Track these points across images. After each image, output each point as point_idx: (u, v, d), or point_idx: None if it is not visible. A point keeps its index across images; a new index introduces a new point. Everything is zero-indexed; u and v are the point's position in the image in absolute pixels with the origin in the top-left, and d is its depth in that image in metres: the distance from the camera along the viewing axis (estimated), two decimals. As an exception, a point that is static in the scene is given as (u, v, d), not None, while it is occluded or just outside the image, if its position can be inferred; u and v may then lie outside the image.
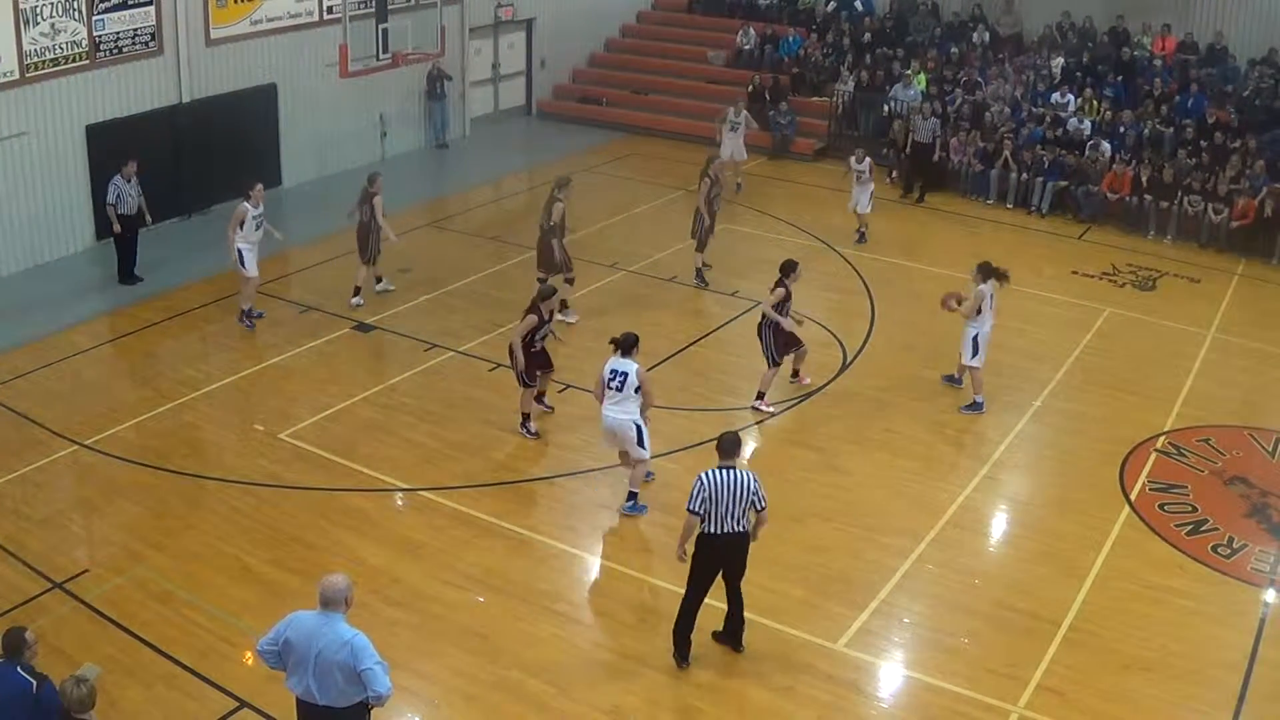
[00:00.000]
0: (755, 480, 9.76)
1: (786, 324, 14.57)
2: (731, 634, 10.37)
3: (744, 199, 22.93)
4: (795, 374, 15.40)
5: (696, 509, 9.72)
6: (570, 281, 17.21)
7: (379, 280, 17.89)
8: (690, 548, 9.99)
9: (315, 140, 23.05)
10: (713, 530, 9.77)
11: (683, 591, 10.19)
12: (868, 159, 20.95)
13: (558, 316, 15.36)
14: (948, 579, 11.56)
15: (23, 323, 16.47)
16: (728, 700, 9.88)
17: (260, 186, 16.61)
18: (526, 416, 13.99)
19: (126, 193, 17.66)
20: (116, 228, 17.81)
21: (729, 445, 9.88)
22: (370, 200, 16.99)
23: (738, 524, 9.75)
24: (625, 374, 11.98)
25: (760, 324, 14.80)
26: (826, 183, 24.20)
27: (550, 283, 14.31)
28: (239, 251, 16.32)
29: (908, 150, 23.94)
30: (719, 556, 9.91)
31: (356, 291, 17.49)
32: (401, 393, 14.99)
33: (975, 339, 14.64)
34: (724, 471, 9.69)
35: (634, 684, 10.01)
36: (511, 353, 13.61)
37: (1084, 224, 22.28)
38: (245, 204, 16.30)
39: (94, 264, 18.86)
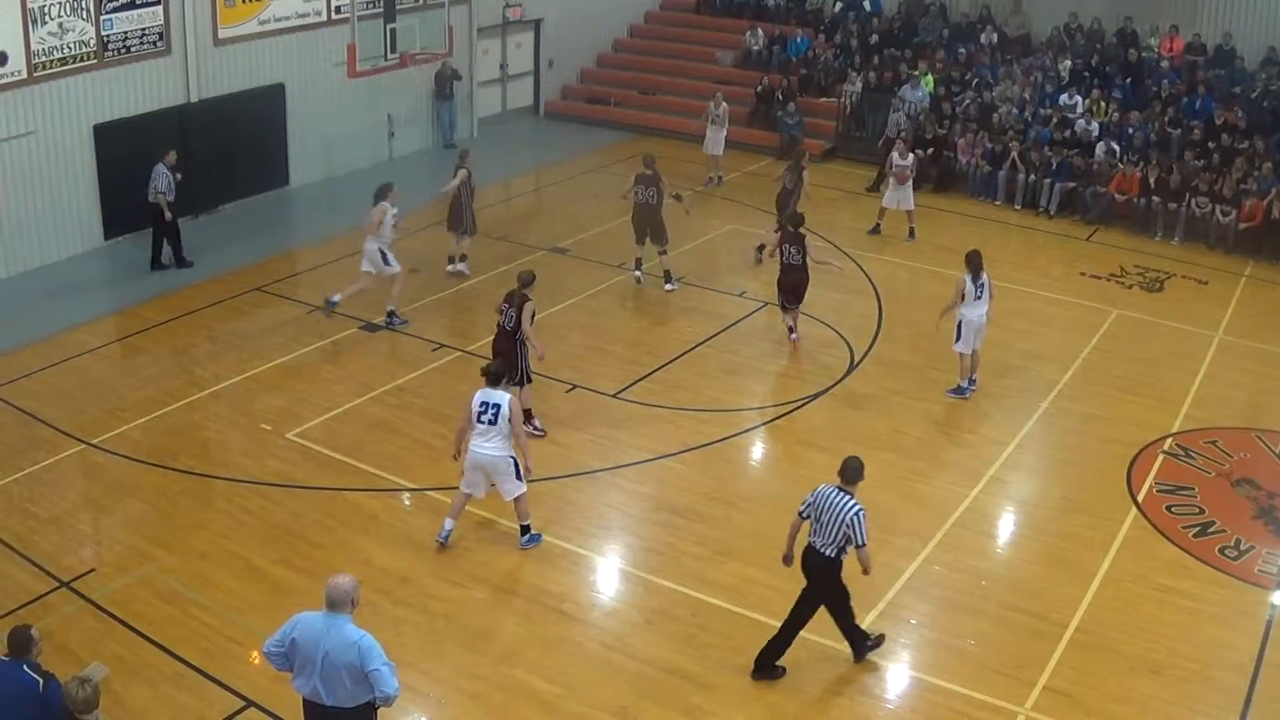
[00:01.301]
0: (857, 516, 9.55)
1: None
2: (766, 649, 10.08)
3: (750, 199, 22.90)
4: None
5: (803, 512, 9.90)
6: (665, 252, 18.53)
7: (461, 259, 18.89)
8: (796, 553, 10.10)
9: (323, 140, 23.06)
10: (810, 540, 9.87)
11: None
12: (911, 154, 21.10)
13: (675, 280, 18.39)
14: (954, 580, 11.55)
15: (30, 322, 16.50)
16: (733, 701, 9.86)
17: (396, 187, 16.94)
18: (529, 414, 13.79)
19: (171, 181, 18.06)
20: (168, 216, 18.16)
21: (848, 471, 9.82)
22: (456, 173, 18.22)
23: (825, 546, 9.71)
24: (498, 406, 11.14)
25: (806, 271, 16.27)
26: (834, 183, 24.16)
27: (529, 269, 14.34)
28: (380, 253, 16.50)
29: (880, 145, 24.21)
30: (805, 566, 9.95)
31: (453, 259, 18.75)
32: (409, 392, 15.00)
33: (959, 325, 14.90)
34: (836, 492, 9.71)
35: (640, 684, 10.00)
36: (528, 344, 13.48)
37: (1092, 225, 22.24)
38: (384, 203, 16.43)
39: (102, 263, 18.90)
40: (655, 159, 18.58)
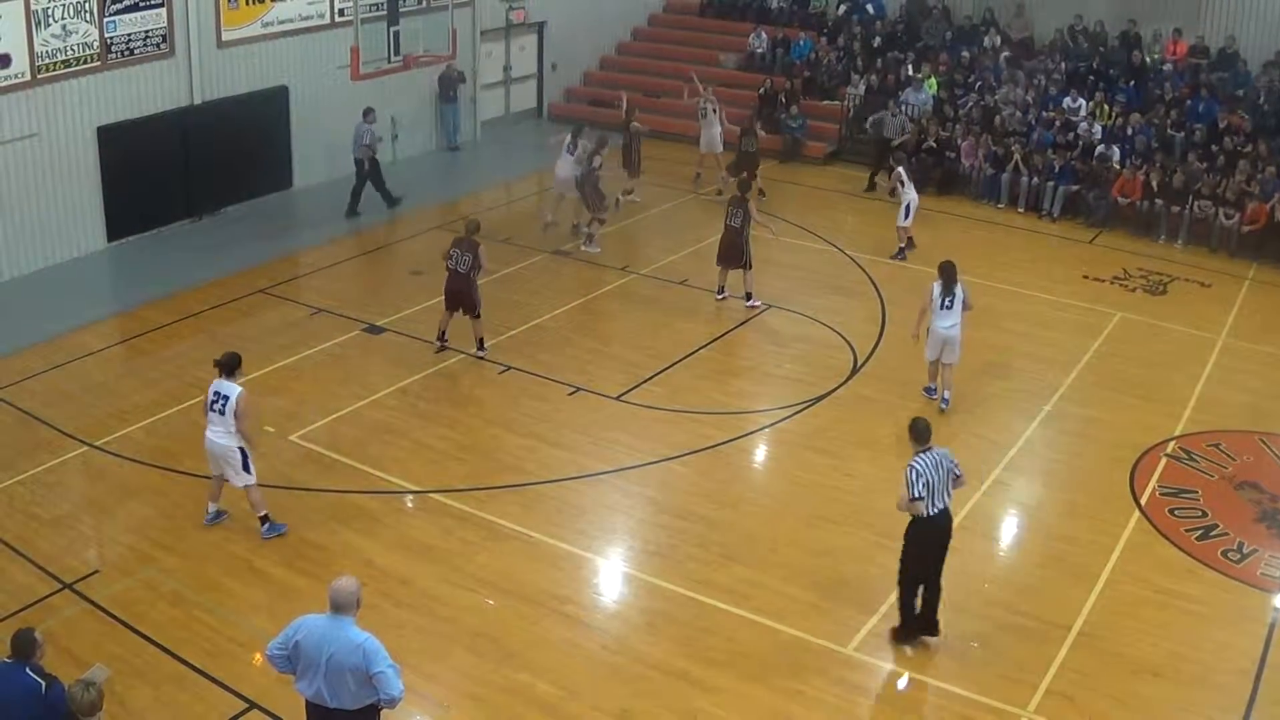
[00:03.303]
0: (950, 457, 10.21)
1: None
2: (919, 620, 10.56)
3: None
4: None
5: (921, 493, 10.02)
6: (601, 221, 20.31)
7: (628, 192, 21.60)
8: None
9: (326, 142, 23.03)
10: (929, 512, 10.09)
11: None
12: (899, 168, 20.42)
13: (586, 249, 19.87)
14: (957, 583, 11.48)
15: (33, 324, 16.48)
16: (736, 704, 9.86)
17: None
18: (481, 341, 15.93)
19: (375, 133, 21.20)
20: (367, 166, 21.14)
21: (920, 432, 10.25)
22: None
23: (948, 501, 10.21)
24: (227, 398, 11.39)
25: (743, 234, 17.46)
26: (837, 186, 24.17)
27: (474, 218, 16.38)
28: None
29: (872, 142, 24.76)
30: (938, 537, 10.26)
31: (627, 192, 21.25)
32: (412, 395, 15.00)
33: (928, 332, 14.85)
34: (928, 454, 10.12)
35: (643, 687, 10.01)
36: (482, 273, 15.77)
37: (1095, 228, 22.23)
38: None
39: (105, 265, 18.92)
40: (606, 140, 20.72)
